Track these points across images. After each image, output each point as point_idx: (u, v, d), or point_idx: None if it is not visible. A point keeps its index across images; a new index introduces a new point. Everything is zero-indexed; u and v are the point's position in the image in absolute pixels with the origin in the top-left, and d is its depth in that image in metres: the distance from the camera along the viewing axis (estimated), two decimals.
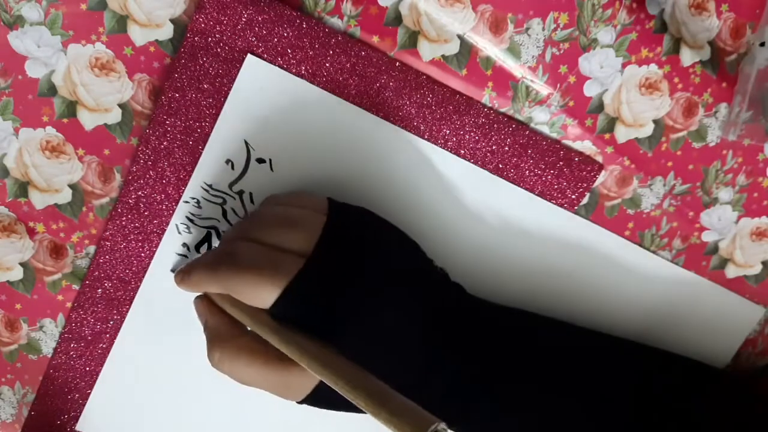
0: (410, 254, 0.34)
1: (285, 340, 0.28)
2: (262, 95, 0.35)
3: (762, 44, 0.36)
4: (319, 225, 0.31)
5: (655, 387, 0.36)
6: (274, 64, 0.35)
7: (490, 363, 0.33)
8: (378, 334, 0.30)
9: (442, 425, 0.23)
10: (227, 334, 0.31)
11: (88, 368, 0.39)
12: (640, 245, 0.40)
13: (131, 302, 0.38)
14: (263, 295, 0.29)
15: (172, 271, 0.37)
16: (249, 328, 0.31)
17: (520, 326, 0.36)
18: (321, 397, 0.31)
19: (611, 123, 0.37)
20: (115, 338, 0.38)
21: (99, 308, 0.38)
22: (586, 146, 0.38)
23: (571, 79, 0.36)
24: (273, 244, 0.30)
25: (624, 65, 0.36)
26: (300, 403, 0.31)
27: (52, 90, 0.34)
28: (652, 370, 0.37)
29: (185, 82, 0.35)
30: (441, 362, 0.32)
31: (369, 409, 0.24)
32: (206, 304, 0.32)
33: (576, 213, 0.38)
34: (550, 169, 0.37)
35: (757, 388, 0.41)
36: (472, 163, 0.37)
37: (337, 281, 0.30)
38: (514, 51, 0.35)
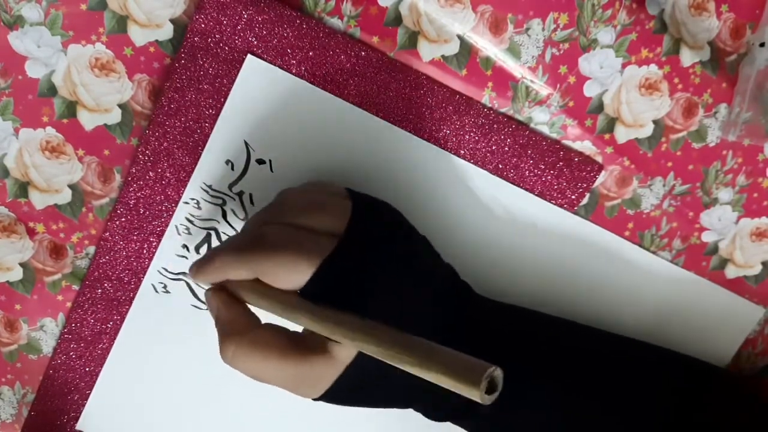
0: (424, 247, 0.34)
1: (320, 318, 0.27)
2: (262, 95, 0.35)
3: (762, 45, 0.36)
4: (346, 208, 0.31)
5: (666, 388, 0.36)
6: (274, 65, 0.35)
7: (509, 361, 0.33)
8: (399, 319, 0.30)
9: (498, 370, 0.22)
10: (242, 327, 0.29)
11: (88, 368, 0.39)
12: (640, 245, 0.40)
13: (131, 302, 0.38)
14: (296, 274, 0.28)
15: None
16: (264, 320, 0.30)
17: (529, 325, 0.36)
18: (343, 390, 0.29)
19: (611, 123, 0.37)
20: (115, 338, 0.38)
21: (99, 309, 0.38)
22: (585, 146, 0.38)
23: (571, 79, 0.36)
24: (304, 226, 0.30)
25: (624, 65, 0.36)
26: (317, 399, 0.30)
27: (52, 90, 0.34)
28: (662, 370, 0.37)
29: (185, 82, 0.35)
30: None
31: (418, 366, 0.23)
32: (220, 295, 0.31)
33: (576, 213, 0.38)
34: (549, 170, 0.37)
35: (759, 388, 0.41)
36: (472, 163, 0.37)
37: (369, 262, 0.30)
38: (514, 51, 0.35)
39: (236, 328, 0.29)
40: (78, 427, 0.40)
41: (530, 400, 0.33)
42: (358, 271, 0.29)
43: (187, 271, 0.37)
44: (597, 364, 0.36)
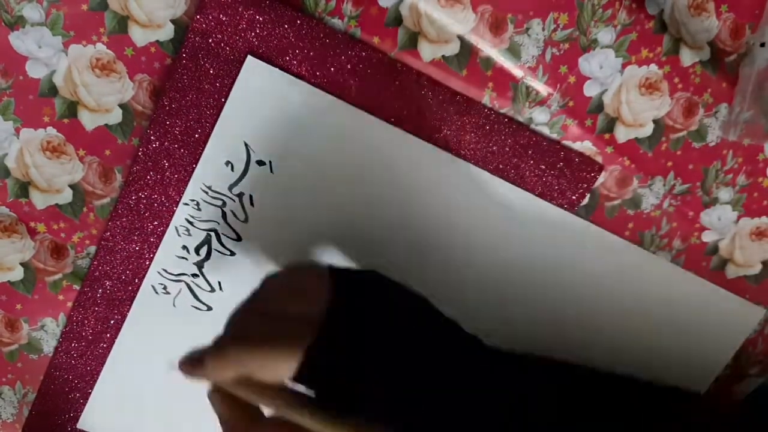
0: (419, 312, 0.32)
1: (313, 416, 0.27)
2: (262, 96, 0.35)
3: (762, 44, 0.36)
4: (325, 289, 0.30)
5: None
6: (275, 65, 0.35)
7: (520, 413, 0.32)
8: (397, 397, 0.29)
9: None
10: (242, 427, 0.30)
11: (88, 368, 0.39)
12: (640, 245, 0.40)
13: (131, 302, 0.38)
14: (281, 368, 0.28)
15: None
16: (266, 414, 0.30)
17: (542, 375, 0.34)
18: None
19: (611, 123, 0.37)
20: (115, 338, 0.38)
21: (99, 308, 0.38)
22: (586, 146, 0.38)
23: (571, 79, 0.36)
24: (283, 315, 0.29)
25: (624, 65, 0.36)
26: None
27: (53, 90, 0.35)
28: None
29: (186, 82, 0.35)
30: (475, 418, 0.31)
31: None
32: (218, 396, 0.31)
33: (576, 214, 0.38)
34: (550, 170, 0.37)
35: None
36: (473, 163, 0.37)
37: (352, 345, 0.29)
38: (514, 51, 0.36)
39: (237, 429, 0.30)
40: (79, 426, 0.40)
41: None
42: (342, 358, 0.29)
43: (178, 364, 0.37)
44: (610, 413, 0.34)
